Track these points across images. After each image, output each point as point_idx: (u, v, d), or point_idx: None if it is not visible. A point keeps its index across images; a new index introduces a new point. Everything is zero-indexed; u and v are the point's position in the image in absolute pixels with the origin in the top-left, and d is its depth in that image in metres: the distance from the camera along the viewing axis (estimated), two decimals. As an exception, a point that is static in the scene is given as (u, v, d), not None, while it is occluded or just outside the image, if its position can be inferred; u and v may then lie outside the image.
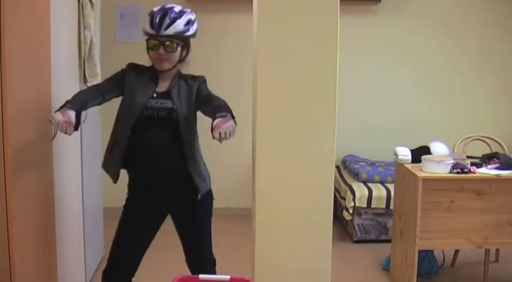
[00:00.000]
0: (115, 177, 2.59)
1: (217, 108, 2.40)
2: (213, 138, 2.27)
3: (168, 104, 2.53)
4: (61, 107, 2.40)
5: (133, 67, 2.63)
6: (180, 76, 2.62)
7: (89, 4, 3.33)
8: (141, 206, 2.62)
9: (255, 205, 2.69)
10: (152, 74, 2.59)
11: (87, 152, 3.44)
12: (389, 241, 3.99)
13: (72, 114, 2.35)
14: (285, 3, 2.56)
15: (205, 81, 2.67)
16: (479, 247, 3.51)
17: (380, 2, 5.23)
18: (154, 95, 2.55)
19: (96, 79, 3.52)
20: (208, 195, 2.73)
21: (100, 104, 2.60)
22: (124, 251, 2.60)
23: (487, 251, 3.73)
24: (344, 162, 5.32)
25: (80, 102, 2.46)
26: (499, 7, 5.38)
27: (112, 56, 4.76)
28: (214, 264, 2.80)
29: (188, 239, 2.73)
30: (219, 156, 5.32)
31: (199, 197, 2.63)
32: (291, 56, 2.58)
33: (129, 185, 2.67)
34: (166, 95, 2.55)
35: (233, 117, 2.34)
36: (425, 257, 3.87)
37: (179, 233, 2.73)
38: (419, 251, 3.45)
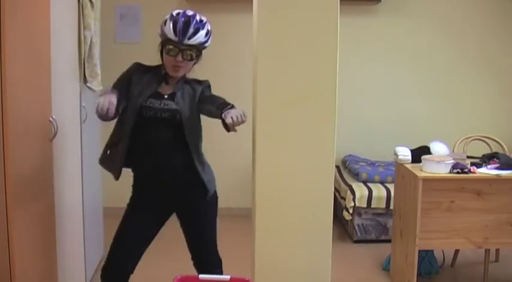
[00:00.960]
0: (117, 175, 2.58)
1: (221, 105, 2.45)
2: (227, 129, 2.35)
3: (172, 105, 2.54)
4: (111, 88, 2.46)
5: (139, 67, 2.64)
6: (186, 80, 2.63)
7: (89, 4, 3.33)
8: (144, 205, 2.62)
9: (255, 205, 2.69)
10: (157, 75, 2.60)
11: (87, 152, 3.44)
12: (389, 241, 3.99)
13: (114, 98, 2.34)
14: (285, 3, 2.56)
15: (209, 86, 2.70)
16: (479, 247, 3.51)
17: (380, 2, 5.23)
18: (164, 97, 2.55)
19: (96, 79, 3.51)
20: (215, 195, 2.75)
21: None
22: (124, 249, 2.59)
23: (487, 251, 3.73)
24: (344, 162, 5.32)
25: (121, 95, 2.46)
26: (499, 7, 5.38)
27: (112, 56, 4.76)
28: (221, 264, 2.81)
29: (197, 239, 2.73)
30: (219, 156, 5.32)
31: (208, 197, 2.64)
32: (290, 56, 2.58)
33: (134, 185, 2.67)
34: (171, 97, 2.57)
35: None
36: (425, 257, 3.87)
37: (187, 232, 2.72)
38: (419, 251, 3.45)
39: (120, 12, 5.20)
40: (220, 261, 2.81)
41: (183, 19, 2.48)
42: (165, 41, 2.52)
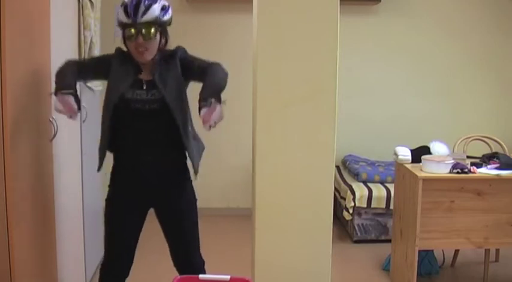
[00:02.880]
0: (99, 165, 2.55)
1: (204, 88, 2.35)
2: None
3: (157, 94, 2.46)
4: (55, 92, 2.40)
5: (119, 53, 2.57)
6: (160, 58, 2.50)
7: (88, 4, 3.33)
8: (126, 198, 2.58)
9: (255, 205, 2.69)
10: (134, 61, 2.51)
11: (87, 152, 3.44)
12: (389, 241, 3.99)
13: (71, 100, 2.35)
14: (285, 3, 2.56)
15: (184, 52, 2.56)
16: (479, 247, 3.51)
17: (380, 2, 5.23)
18: (144, 87, 2.47)
19: (96, 79, 3.52)
20: (191, 192, 2.66)
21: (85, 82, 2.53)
22: (119, 244, 2.60)
23: (487, 251, 3.73)
24: (344, 162, 5.33)
25: (72, 82, 2.44)
26: (499, 7, 5.38)
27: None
28: (203, 265, 2.74)
29: (175, 230, 2.65)
30: (219, 156, 5.32)
31: (193, 177, 2.57)
32: (291, 56, 2.58)
33: (115, 175, 2.61)
34: (152, 83, 2.48)
35: (219, 99, 2.30)
36: (425, 257, 3.87)
37: (165, 224, 2.66)
38: (419, 251, 3.45)
39: (120, 12, 5.19)
40: (203, 263, 2.73)
41: (134, 0, 2.40)
42: (122, 27, 2.44)
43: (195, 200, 2.69)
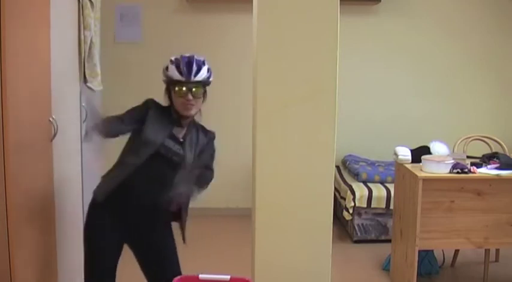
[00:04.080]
0: (103, 197, 2.60)
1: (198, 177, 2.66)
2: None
3: (181, 150, 2.61)
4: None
5: (154, 104, 2.67)
6: (194, 123, 2.70)
7: (88, 4, 3.33)
8: (116, 225, 2.60)
9: (255, 205, 2.69)
10: (170, 116, 2.63)
11: (87, 152, 3.44)
12: (389, 241, 3.99)
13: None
14: (285, 3, 2.56)
15: (214, 138, 2.79)
16: (479, 247, 3.51)
17: (380, 2, 5.23)
18: (178, 140, 2.63)
19: (96, 79, 3.52)
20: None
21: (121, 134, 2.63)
22: (103, 266, 2.60)
23: (487, 251, 3.73)
24: (344, 162, 5.33)
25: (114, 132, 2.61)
26: (499, 7, 5.38)
27: (112, 56, 4.77)
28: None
29: (153, 266, 2.68)
30: (219, 156, 5.32)
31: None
32: (291, 56, 2.58)
33: (101, 205, 2.63)
34: (182, 142, 2.64)
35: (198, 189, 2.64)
36: (425, 257, 3.87)
37: (144, 263, 2.69)
38: (419, 251, 3.45)
39: (120, 12, 5.19)
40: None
41: (185, 59, 2.57)
42: (172, 84, 2.58)
43: (170, 222, 2.72)
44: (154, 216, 2.63)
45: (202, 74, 2.58)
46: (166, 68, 2.59)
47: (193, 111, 2.61)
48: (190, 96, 2.56)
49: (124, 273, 2.69)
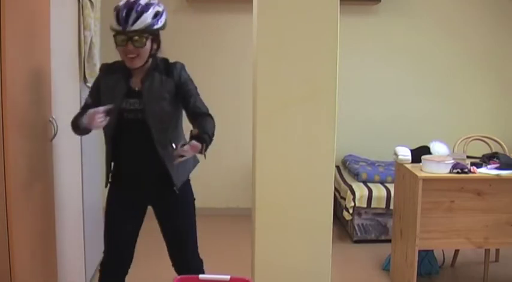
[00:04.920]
0: (106, 181, 2.62)
1: (202, 127, 2.40)
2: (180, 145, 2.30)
3: (140, 105, 2.45)
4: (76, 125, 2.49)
5: (105, 69, 2.57)
6: (155, 68, 2.49)
7: (88, 4, 3.33)
8: (125, 197, 2.61)
9: (255, 205, 2.69)
10: (125, 70, 2.49)
11: (87, 152, 3.44)
12: (389, 241, 3.99)
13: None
14: (285, 3, 2.56)
15: (183, 68, 2.53)
16: (479, 247, 3.51)
17: (380, 2, 5.23)
18: (135, 91, 2.46)
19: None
20: (188, 192, 2.66)
21: None
22: (118, 241, 2.61)
23: (487, 251, 3.73)
24: (344, 162, 5.33)
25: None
26: (499, 7, 5.38)
27: (112, 56, 4.76)
28: (202, 265, 2.74)
29: (172, 232, 2.66)
30: (219, 156, 5.32)
31: (176, 191, 2.56)
32: (291, 56, 2.58)
33: (113, 177, 2.63)
34: (139, 93, 2.47)
35: (207, 144, 2.34)
36: (425, 257, 3.87)
37: (162, 227, 2.68)
38: (419, 251, 3.45)
39: (120, 12, 5.18)
40: (201, 263, 2.73)
41: (126, 7, 2.35)
42: (114, 33, 2.40)
43: (193, 199, 2.69)
44: (154, 181, 2.57)
45: (143, 21, 2.34)
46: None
47: (137, 63, 2.40)
48: (130, 46, 2.35)
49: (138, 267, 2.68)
